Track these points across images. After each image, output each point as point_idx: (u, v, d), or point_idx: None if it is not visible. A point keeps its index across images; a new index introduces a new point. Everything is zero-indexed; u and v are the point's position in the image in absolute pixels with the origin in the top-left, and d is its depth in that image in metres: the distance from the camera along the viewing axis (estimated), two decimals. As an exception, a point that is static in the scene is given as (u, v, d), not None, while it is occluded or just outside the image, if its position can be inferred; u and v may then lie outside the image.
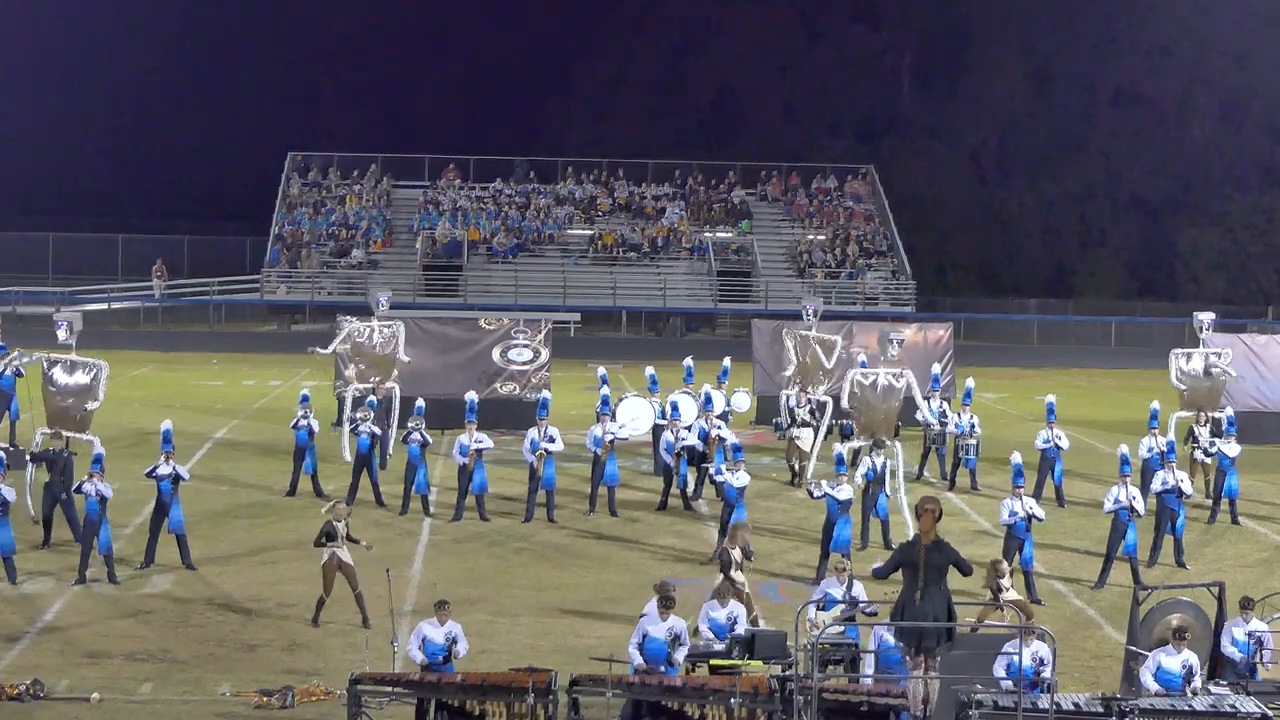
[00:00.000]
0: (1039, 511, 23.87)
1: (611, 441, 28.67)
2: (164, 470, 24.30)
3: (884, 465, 26.39)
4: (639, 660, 17.28)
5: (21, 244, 72.24)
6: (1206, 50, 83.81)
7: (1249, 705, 16.18)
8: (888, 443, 27.11)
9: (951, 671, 15.71)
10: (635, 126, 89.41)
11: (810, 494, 24.99)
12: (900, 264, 70.71)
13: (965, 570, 16.18)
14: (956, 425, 31.53)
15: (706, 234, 71.27)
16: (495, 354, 37.97)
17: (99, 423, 28.29)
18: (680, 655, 17.37)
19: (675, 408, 30.56)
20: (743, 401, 35.66)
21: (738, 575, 20.45)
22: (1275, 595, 19.42)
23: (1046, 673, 16.12)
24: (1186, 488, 25.81)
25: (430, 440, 29.03)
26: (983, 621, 19.31)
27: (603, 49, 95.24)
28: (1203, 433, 30.77)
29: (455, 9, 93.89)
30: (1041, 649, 16.31)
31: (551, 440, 28.02)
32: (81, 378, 27.20)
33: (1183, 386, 33.41)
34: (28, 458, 26.58)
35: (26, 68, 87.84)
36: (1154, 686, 16.60)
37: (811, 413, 32.33)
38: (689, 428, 29.79)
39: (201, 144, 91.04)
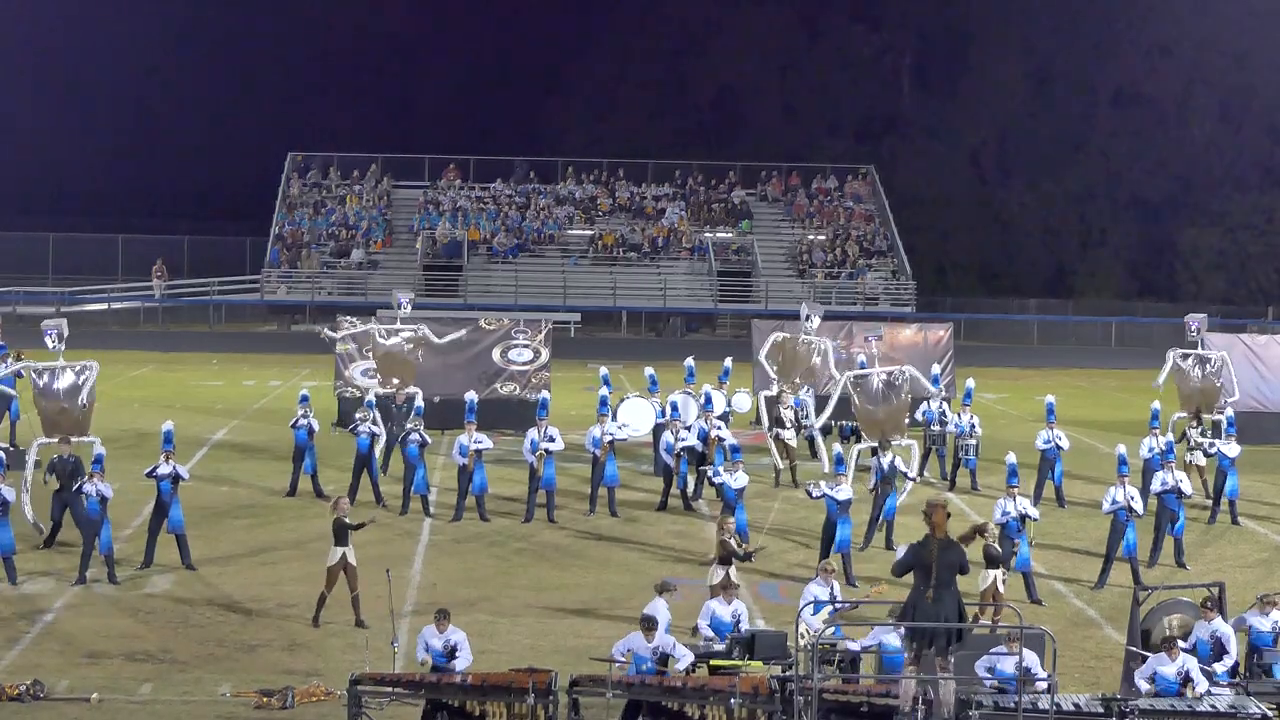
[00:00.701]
0: (1033, 511, 23.89)
1: (610, 442, 28.66)
2: (164, 470, 24.31)
3: (892, 464, 26.39)
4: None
5: (21, 244, 72.25)
6: (1206, 50, 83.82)
7: (1249, 705, 16.19)
8: (899, 442, 27.08)
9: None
10: (635, 126, 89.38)
11: (809, 494, 25.01)
12: (900, 264, 70.73)
13: (965, 571, 16.23)
14: (957, 425, 31.54)
15: (707, 234, 71.29)
16: (495, 354, 37.98)
17: (99, 423, 28.28)
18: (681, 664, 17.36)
19: (675, 408, 30.58)
20: (743, 402, 35.65)
21: (716, 572, 20.76)
22: (1276, 595, 19.43)
23: (1037, 682, 16.21)
24: (1186, 488, 25.80)
25: (430, 440, 29.05)
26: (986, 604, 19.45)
27: (603, 49, 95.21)
28: (1194, 434, 30.71)
29: (455, 9, 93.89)
30: (1030, 657, 16.36)
31: (551, 440, 28.01)
32: (71, 379, 27.17)
33: (1179, 383, 33.43)
34: (34, 467, 26.40)
35: (26, 68, 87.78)
36: (1145, 688, 16.64)
37: (797, 414, 32.36)
38: (689, 428, 29.79)
39: (201, 144, 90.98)
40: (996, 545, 21.53)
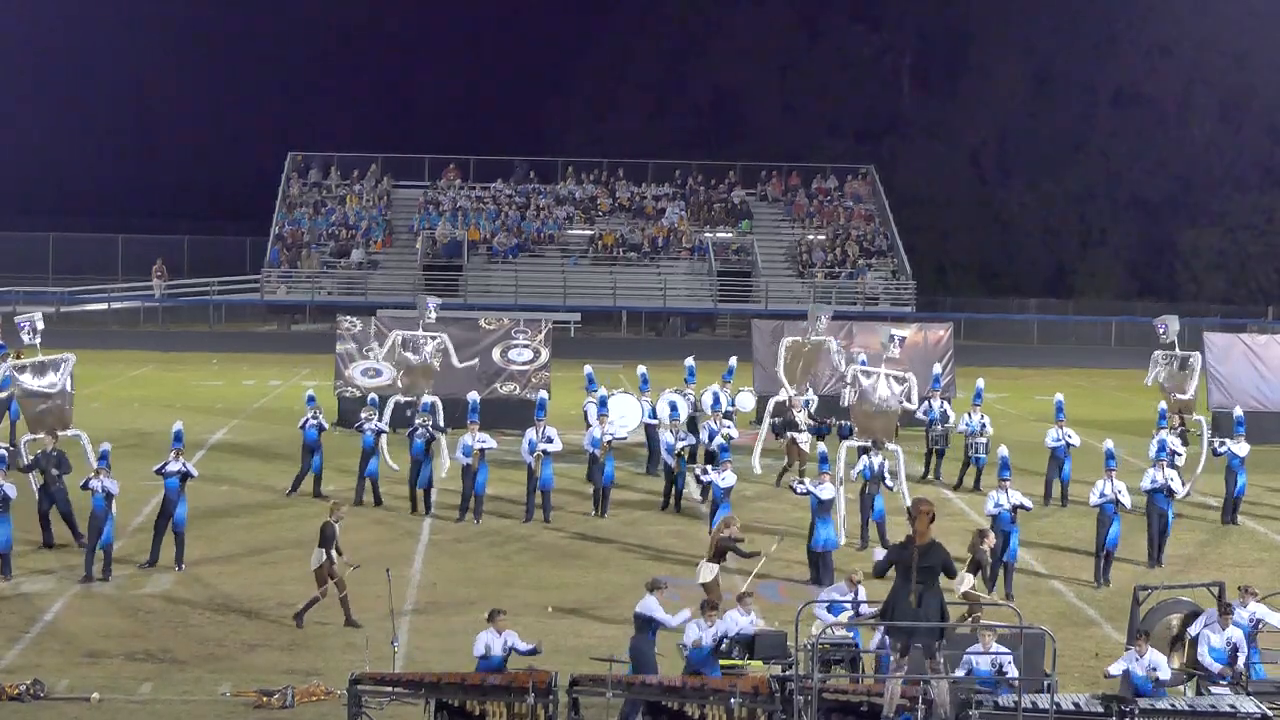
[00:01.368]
0: (1026, 502, 24.14)
1: (609, 442, 28.63)
2: (173, 467, 24.45)
3: (882, 465, 26.40)
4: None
5: (21, 244, 72.26)
6: (1206, 50, 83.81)
7: (1248, 705, 16.19)
8: (887, 445, 27.08)
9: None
10: (635, 126, 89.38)
11: (794, 490, 25.05)
12: (900, 264, 70.72)
13: (951, 573, 16.18)
14: (967, 424, 31.49)
15: (707, 234, 71.28)
16: (495, 354, 37.98)
17: (99, 423, 28.32)
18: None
19: (674, 408, 30.55)
20: (747, 401, 35.61)
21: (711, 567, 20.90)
22: (1275, 595, 19.43)
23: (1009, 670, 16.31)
24: (1176, 486, 26.02)
25: (436, 437, 29.06)
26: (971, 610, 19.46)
27: (603, 49, 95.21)
28: (1171, 438, 30.35)
29: (455, 9, 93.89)
30: (1002, 656, 16.44)
31: (549, 441, 28.01)
32: (52, 376, 27.17)
33: (1160, 380, 33.27)
34: (21, 468, 26.39)
35: (26, 68, 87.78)
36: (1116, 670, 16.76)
37: (811, 416, 32.29)
38: (692, 428, 29.81)
39: (201, 144, 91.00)
40: (989, 554, 21.65)
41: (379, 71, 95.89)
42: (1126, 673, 17.03)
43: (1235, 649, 17.60)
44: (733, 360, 34.93)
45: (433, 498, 28.80)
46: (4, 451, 24.84)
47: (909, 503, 26.55)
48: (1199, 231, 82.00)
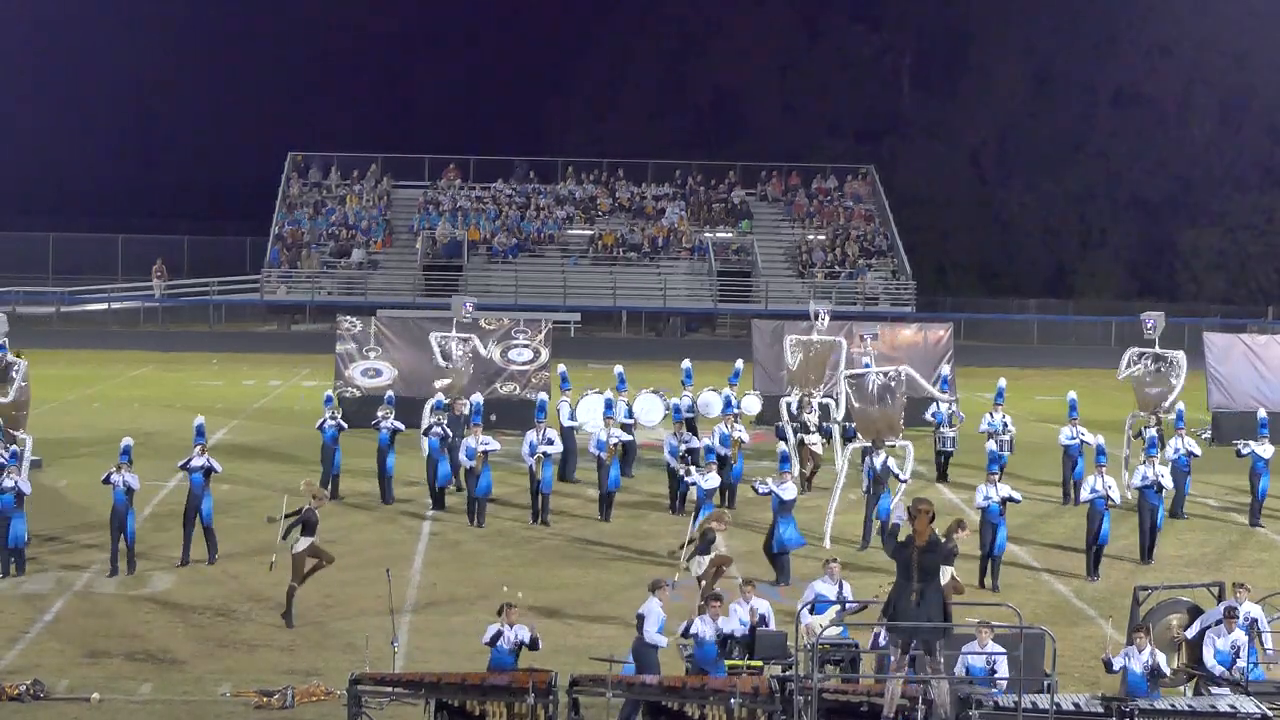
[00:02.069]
0: (1015, 495, 24.48)
1: (616, 445, 28.51)
2: (197, 462, 24.71)
3: (884, 465, 26.39)
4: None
5: (21, 244, 72.24)
6: (1206, 50, 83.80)
7: (1248, 705, 16.19)
8: (894, 443, 27.06)
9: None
10: (635, 126, 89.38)
11: (755, 490, 25.07)
12: (900, 264, 70.72)
13: (948, 562, 16.21)
14: (990, 424, 31.51)
15: (706, 234, 71.27)
16: (495, 354, 37.98)
17: (99, 423, 28.34)
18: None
19: (678, 410, 30.46)
20: (753, 404, 35.53)
21: (700, 561, 21.07)
22: (1275, 595, 19.45)
23: (999, 671, 16.31)
24: (1167, 483, 26.25)
25: (451, 434, 29.02)
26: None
27: (603, 49, 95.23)
28: (1149, 433, 30.12)
29: (455, 9, 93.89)
30: (997, 655, 16.47)
31: (550, 443, 27.99)
32: (13, 377, 27.33)
33: (1126, 378, 32.86)
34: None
35: (26, 68, 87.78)
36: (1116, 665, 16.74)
37: (822, 418, 32.22)
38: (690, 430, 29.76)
39: (201, 144, 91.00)
40: (956, 545, 21.61)
41: (379, 71, 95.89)
42: (1124, 669, 17.03)
43: (1238, 652, 17.62)
44: (739, 363, 34.92)
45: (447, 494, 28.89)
46: (15, 449, 24.95)
47: (895, 500, 26.73)
48: (1199, 232, 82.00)
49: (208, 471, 24.69)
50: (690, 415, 31.47)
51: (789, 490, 24.14)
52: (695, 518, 24.26)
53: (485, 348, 36.37)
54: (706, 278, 69.74)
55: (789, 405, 31.98)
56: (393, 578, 20.01)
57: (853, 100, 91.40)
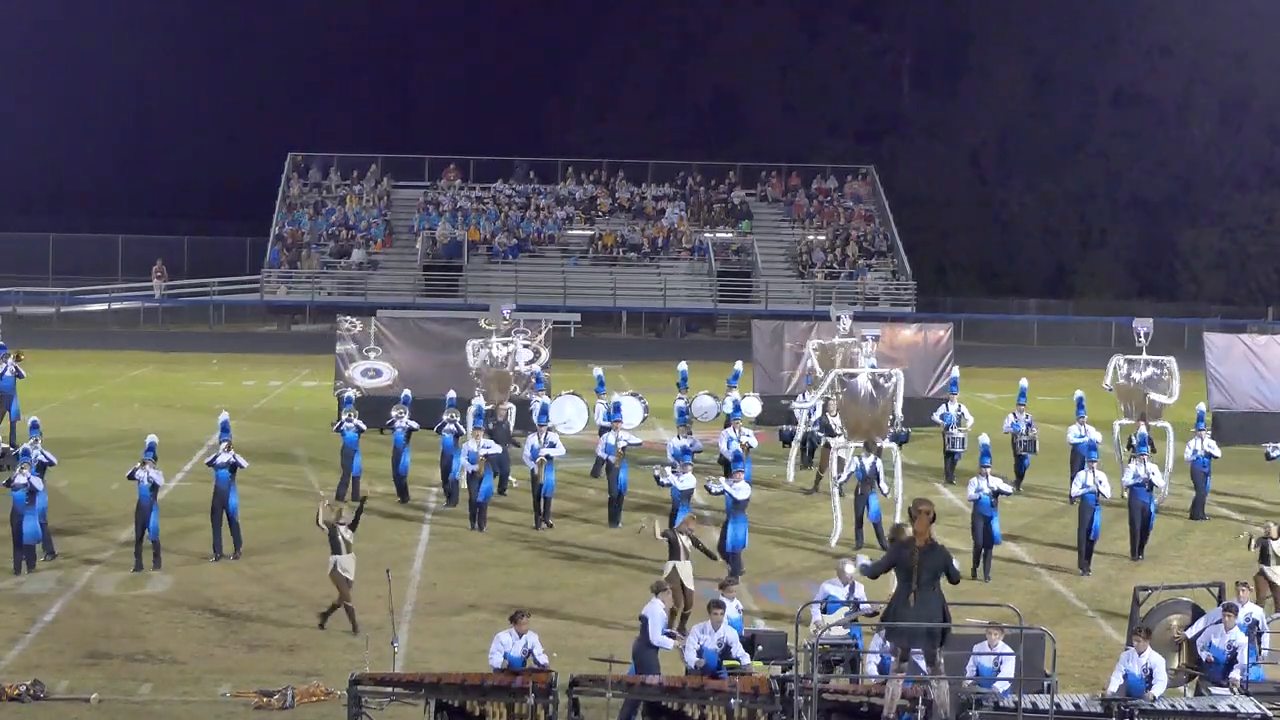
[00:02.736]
0: (1006, 487, 24.97)
1: (624, 449, 28.40)
2: (223, 458, 24.94)
3: (874, 465, 26.39)
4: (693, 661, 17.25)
5: (21, 244, 72.24)
6: (1206, 50, 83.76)
7: (1248, 705, 16.19)
8: (881, 443, 27.03)
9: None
10: (635, 127, 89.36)
11: (708, 489, 25.06)
12: (900, 264, 70.72)
13: (954, 578, 16.08)
14: (1013, 425, 31.54)
15: (706, 234, 71.26)
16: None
17: (99, 423, 28.36)
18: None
19: (681, 414, 30.32)
20: (753, 406, 35.45)
21: (685, 564, 21.02)
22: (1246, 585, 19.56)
23: (1006, 671, 16.28)
24: (1158, 480, 26.32)
25: (464, 431, 28.99)
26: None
27: (603, 49, 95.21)
28: (1206, 441, 29.73)
29: (455, 9, 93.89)
30: (1005, 655, 16.46)
31: (552, 446, 27.93)
32: None
33: (1112, 388, 32.27)
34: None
35: (26, 68, 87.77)
36: (1114, 685, 16.65)
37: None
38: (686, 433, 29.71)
39: (201, 144, 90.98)
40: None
41: (379, 71, 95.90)
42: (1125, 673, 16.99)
43: (1235, 650, 17.60)
44: (738, 365, 34.85)
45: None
46: (26, 446, 25.04)
47: (898, 501, 26.72)
48: (1199, 232, 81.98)
49: (234, 467, 25.00)
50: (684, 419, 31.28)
51: (742, 490, 24.19)
52: (674, 519, 24.21)
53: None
54: (706, 278, 69.73)
55: (810, 409, 31.79)
56: (393, 578, 19.97)
57: (853, 100, 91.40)
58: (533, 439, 28.07)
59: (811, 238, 71.86)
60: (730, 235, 71.77)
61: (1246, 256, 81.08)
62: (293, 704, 17.99)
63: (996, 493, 24.56)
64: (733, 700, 16.05)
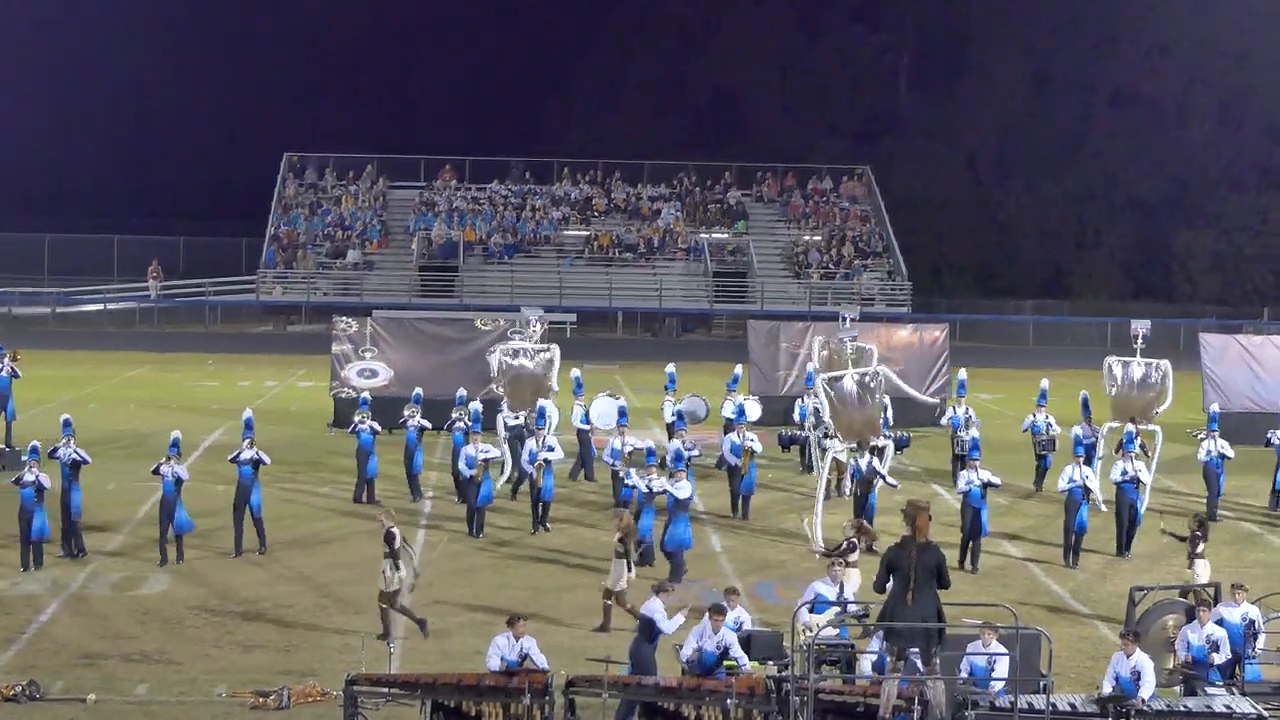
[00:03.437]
0: (995, 480, 25.42)
1: (631, 453, 28.29)
2: (246, 455, 25.20)
3: (870, 465, 26.40)
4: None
5: (18, 244, 72.17)
6: (1206, 50, 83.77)
7: (1244, 705, 16.19)
8: (876, 441, 27.01)
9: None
10: (633, 127, 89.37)
11: (650, 490, 24.99)
12: (896, 265, 70.70)
13: (945, 582, 16.05)
14: (1033, 425, 31.61)
15: (702, 235, 71.24)
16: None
17: (95, 424, 28.34)
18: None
19: (681, 417, 30.22)
20: (754, 409, 35.37)
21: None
22: (1273, 595, 19.45)
23: (1000, 671, 16.29)
24: (1145, 477, 26.64)
25: (473, 428, 28.97)
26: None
27: (602, 49, 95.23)
28: (1219, 441, 29.64)
29: (454, 9, 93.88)
30: (999, 655, 16.46)
31: (550, 450, 27.89)
32: None
33: (1113, 392, 32.19)
34: None
35: (26, 68, 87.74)
36: (1108, 689, 16.64)
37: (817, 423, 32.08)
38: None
39: (198, 145, 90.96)
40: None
41: (375, 72, 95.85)
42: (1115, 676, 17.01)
43: (1215, 645, 17.61)
44: (738, 368, 34.79)
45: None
46: (35, 444, 25.10)
47: (870, 497, 26.71)
48: (1195, 233, 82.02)
49: (256, 464, 25.29)
50: (670, 423, 31.08)
51: (683, 489, 24.20)
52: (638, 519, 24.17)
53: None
54: (702, 278, 69.72)
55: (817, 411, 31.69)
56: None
57: (851, 101, 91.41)
58: (531, 443, 28.03)
59: (807, 238, 71.86)
60: (726, 236, 71.74)
61: (1242, 258, 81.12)
62: (289, 704, 17.99)
63: (986, 485, 25.03)
64: (729, 700, 16.05)
